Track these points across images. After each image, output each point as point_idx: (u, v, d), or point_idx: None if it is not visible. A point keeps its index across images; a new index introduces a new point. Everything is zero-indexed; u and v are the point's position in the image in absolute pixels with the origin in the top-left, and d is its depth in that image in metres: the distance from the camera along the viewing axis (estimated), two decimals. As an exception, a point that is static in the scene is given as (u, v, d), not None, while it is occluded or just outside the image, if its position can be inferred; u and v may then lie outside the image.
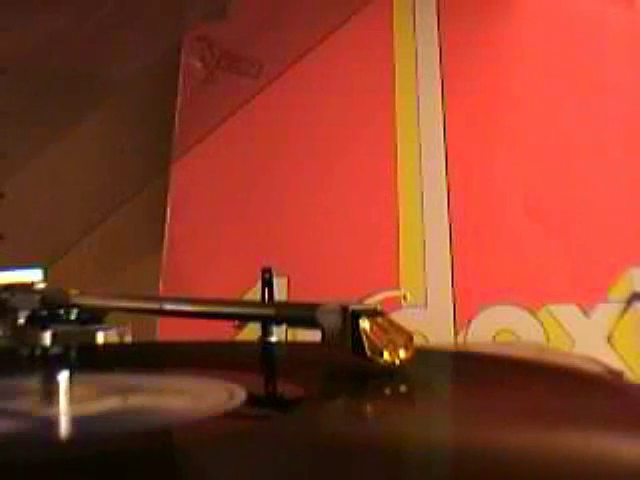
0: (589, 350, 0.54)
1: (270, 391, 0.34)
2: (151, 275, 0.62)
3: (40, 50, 0.61)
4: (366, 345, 0.31)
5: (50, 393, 0.30)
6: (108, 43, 0.65)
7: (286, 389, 0.33)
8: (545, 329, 0.56)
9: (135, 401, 0.30)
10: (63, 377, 0.30)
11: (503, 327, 0.56)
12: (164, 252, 0.62)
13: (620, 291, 0.56)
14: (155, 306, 0.40)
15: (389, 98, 0.63)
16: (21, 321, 0.35)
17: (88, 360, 0.34)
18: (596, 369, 0.45)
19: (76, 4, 0.61)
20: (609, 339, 0.55)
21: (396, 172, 0.61)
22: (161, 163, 0.66)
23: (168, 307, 0.39)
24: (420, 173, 0.61)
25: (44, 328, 0.33)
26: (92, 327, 0.33)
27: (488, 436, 0.24)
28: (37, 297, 0.36)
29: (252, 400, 0.30)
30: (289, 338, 0.51)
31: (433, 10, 0.65)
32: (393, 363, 0.31)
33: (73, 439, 0.27)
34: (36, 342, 0.33)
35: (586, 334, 0.55)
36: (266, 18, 0.68)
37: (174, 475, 0.22)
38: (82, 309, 0.35)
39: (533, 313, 0.56)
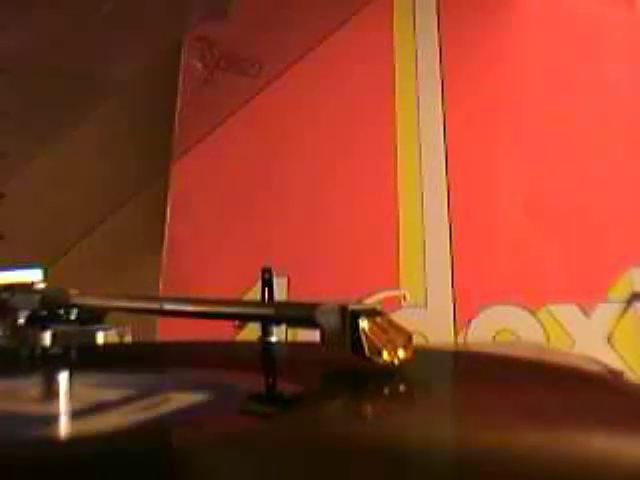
0: (589, 350, 0.54)
1: (270, 391, 0.34)
2: (151, 275, 0.62)
3: (40, 50, 0.61)
4: (365, 345, 0.31)
5: (50, 393, 0.30)
6: (108, 43, 0.65)
7: (286, 389, 0.33)
8: (545, 329, 0.56)
9: (135, 401, 0.30)
10: (63, 377, 0.30)
11: (503, 327, 0.56)
12: (164, 252, 0.62)
13: (620, 291, 0.56)
14: (155, 306, 0.40)
15: (389, 98, 0.63)
16: (21, 321, 0.35)
17: (88, 360, 0.34)
18: (596, 369, 0.45)
19: (76, 4, 0.61)
20: (609, 339, 0.55)
21: (396, 172, 0.61)
22: (161, 163, 0.66)
23: (168, 307, 0.39)
24: (420, 173, 0.61)
25: (44, 328, 0.33)
26: (92, 327, 0.34)
27: (488, 435, 0.24)
28: (37, 297, 0.36)
29: (252, 400, 0.30)
30: (289, 338, 0.51)
31: (433, 10, 0.65)
32: (392, 363, 0.31)
33: (72, 438, 0.27)
34: (36, 342, 0.33)
35: (586, 334, 0.55)
36: (266, 18, 0.68)
37: (174, 475, 0.22)
38: (82, 309, 0.35)
39: (533, 313, 0.56)
